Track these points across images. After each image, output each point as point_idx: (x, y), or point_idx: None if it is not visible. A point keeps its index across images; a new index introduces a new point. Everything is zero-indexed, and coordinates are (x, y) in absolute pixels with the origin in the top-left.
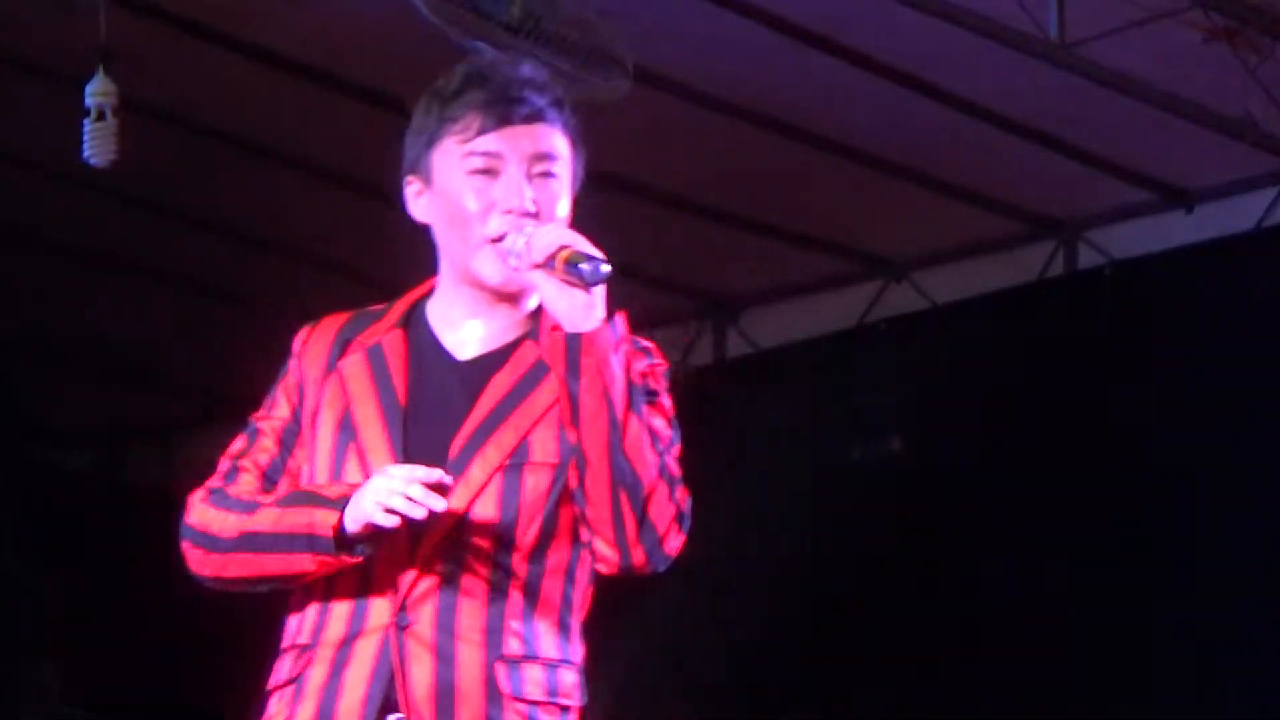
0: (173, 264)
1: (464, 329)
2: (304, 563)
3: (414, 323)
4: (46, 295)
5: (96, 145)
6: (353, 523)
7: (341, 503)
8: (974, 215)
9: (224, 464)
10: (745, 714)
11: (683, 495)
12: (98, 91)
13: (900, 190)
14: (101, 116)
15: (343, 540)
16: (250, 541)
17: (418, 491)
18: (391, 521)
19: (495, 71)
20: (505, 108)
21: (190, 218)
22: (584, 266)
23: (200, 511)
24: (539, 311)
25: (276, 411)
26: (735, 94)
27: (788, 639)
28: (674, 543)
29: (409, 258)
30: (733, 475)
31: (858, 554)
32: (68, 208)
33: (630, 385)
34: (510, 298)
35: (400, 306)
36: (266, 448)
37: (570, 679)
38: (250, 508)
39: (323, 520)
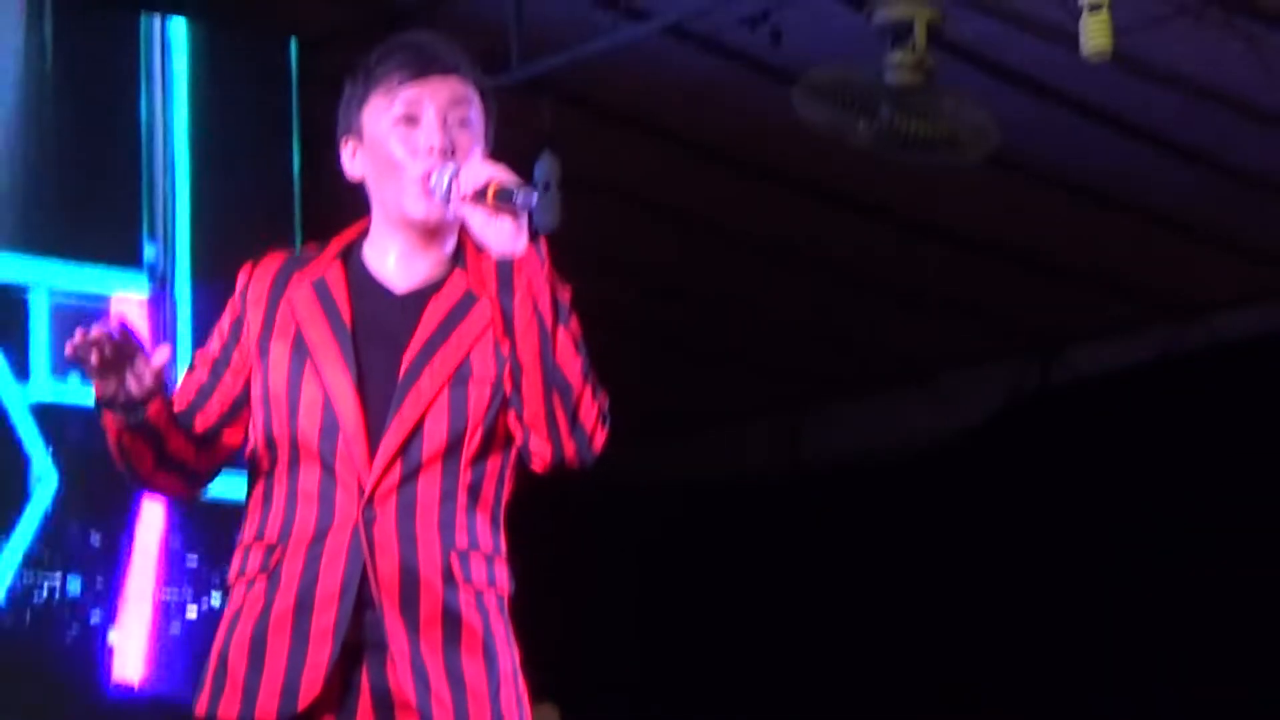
0: None
1: (397, 267)
2: (111, 431)
3: (351, 260)
4: None
5: (542, 214)
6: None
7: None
8: None
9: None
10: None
11: (603, 397)
12: (544, 169)
13: None
14: (546, 189)
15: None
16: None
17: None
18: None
19: (413, 40)
20: (423, 64)
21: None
22: (517, 196)
23: None
24: (458, 251)
25: (211, 345)
26: None
27: None
28: (600, 439)
29: None
30: None
31: None
32: None
33: (555, 300)
34: (436, 237)
35: (335, 246)
36: (198, 378)
37: (503, 567)
38: None
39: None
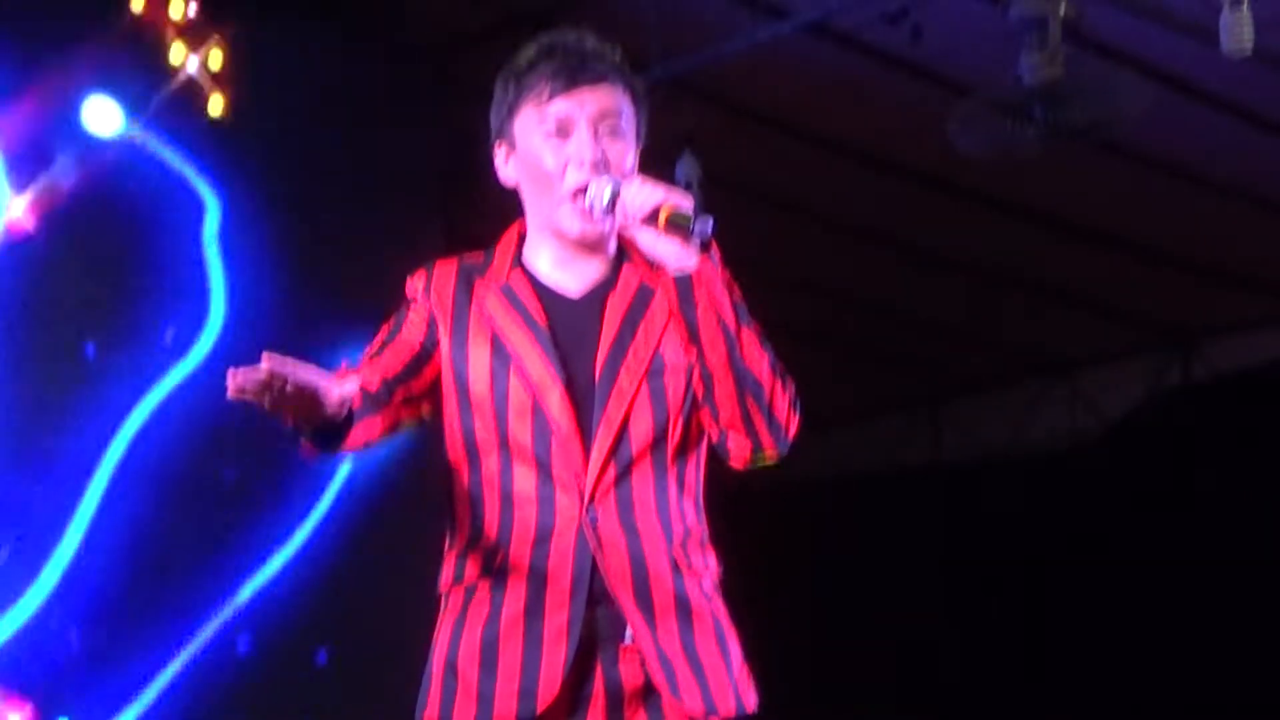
0: None
1: (564, 272)
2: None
3: (524, 267)
4: None
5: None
6: None
7: None
8: None
9: (376, 341)
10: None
11: (791, 386)
12: (686, 168)
13: None
14: (688, 188)
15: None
16: None
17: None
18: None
19: (562, 44)
20: (572, 74)
21: None
22: (694, 226)
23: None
24: (620, 247)
25: (415, 331)
26: None
27: None
28: (794, 428)
29: None
30: None
31: None
32: None
33: (735, 303)
34: (592, 248)
35: (504, 254)
36: (411, 344)
37: (713, 551)
38: None
39: None
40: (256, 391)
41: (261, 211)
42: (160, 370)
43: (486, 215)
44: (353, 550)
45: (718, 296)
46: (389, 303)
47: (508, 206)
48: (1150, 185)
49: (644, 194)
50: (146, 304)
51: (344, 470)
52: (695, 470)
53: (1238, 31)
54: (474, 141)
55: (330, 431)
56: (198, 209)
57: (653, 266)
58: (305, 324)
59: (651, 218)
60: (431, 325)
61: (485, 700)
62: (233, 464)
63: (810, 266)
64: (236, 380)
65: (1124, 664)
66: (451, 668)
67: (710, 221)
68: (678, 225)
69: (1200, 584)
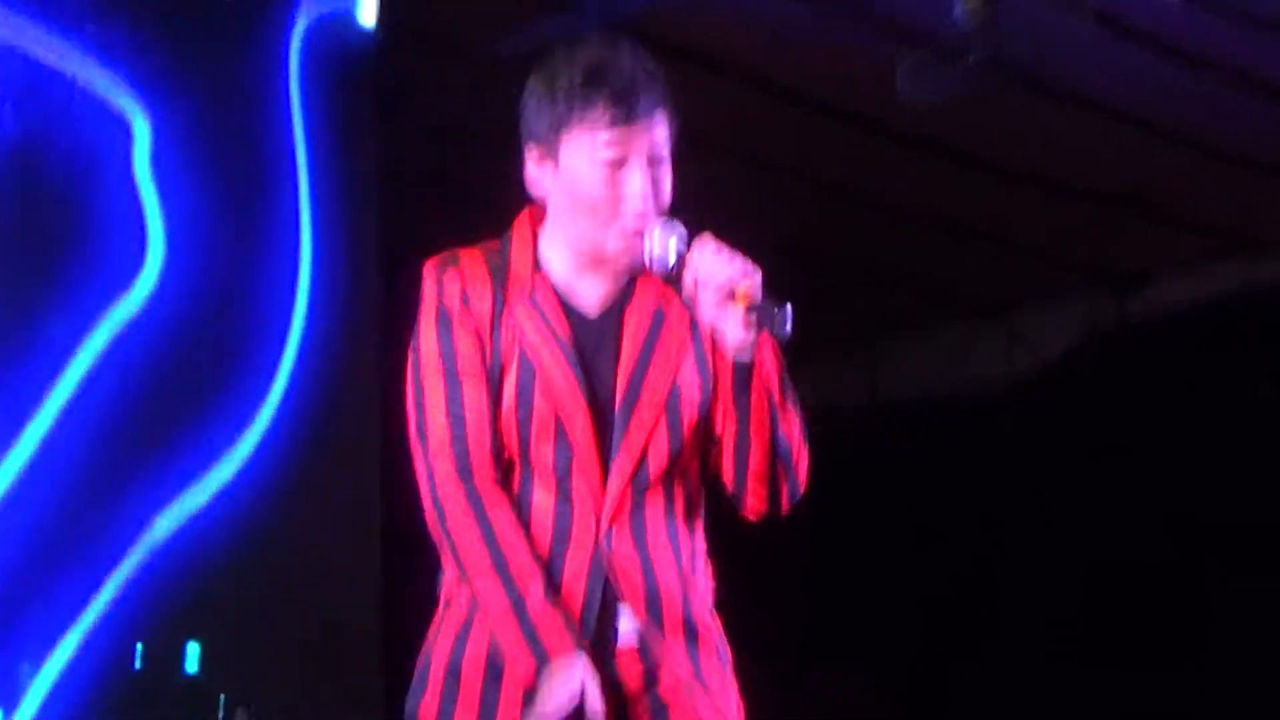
0: None
1: (580, 282)
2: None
3: (545, 273)
4: None
5: None
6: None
7: (544, 662)
8: None
9: (448, 425)
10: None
11: (807, 444)
12: None
13: None
14: None
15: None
16: (479, 601)
17: None
18: None
19: (615, 67)
20: (629, 107)
21: None
22: (774, 324)
23: (455, 511)
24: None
25: (473, 357)
26: None
27: None
28: (804, 488)
29: None
30: None
31: None
32: None
33: (780, 373)
34: (619, 264)
35: (523, 253)
36: (482, 394)
37: (709, 565)
38: (497, 571)
39: (525, 665)
40: None
41: (195, 134)
42: (97, 311)
43: (421, 147)
44: (281, 497)
45: (771, 380)
46: (332, 229)
47: (441, 146)
48: (1083, 126)
49: (718, 266)
50: (77, 241)
51: (266, 416)
52: (700, 491)
53: None
54: (414, 82)
55: None
56: (124, 132)
57: (663, 281)
58: (252, 259)
59: (728, 294)
60: (481, 346)
61: (489, 707)
62: (174, 407)
63: (745, 210)
64: None
65: (1061, 606)
66: (454, 673)
67: (789, 318)
68: (757, 318)
69: (1134, 522)
